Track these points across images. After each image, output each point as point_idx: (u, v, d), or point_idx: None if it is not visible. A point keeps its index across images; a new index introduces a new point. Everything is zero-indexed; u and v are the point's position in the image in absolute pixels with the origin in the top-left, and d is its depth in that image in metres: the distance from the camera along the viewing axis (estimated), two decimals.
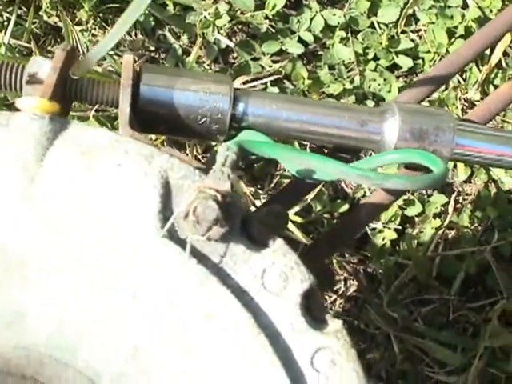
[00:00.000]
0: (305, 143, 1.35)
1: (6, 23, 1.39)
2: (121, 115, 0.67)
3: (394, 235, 1.41)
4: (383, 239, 1.41)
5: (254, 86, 1.42)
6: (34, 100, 0.61)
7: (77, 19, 1.43)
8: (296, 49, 1.47)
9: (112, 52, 1.38)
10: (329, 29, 1.50)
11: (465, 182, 1.49)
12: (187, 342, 0.57)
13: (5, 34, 1.36)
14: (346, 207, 1.40)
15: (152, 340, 0.58)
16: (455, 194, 1.47)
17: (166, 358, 0.58)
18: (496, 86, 1.49)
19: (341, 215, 1.39)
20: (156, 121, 0.72)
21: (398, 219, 1.42)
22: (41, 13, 1.42)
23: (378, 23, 1.52)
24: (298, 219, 1.35)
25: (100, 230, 0.57)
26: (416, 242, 1.42)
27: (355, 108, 0.80)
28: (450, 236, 1.45)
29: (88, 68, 0.71)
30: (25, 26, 1.39)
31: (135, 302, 0.57)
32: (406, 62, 1.51)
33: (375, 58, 1.51)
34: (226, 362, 0.57)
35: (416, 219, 1.45)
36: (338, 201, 1.41)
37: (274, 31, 1.48)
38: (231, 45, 1.46)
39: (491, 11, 1.54)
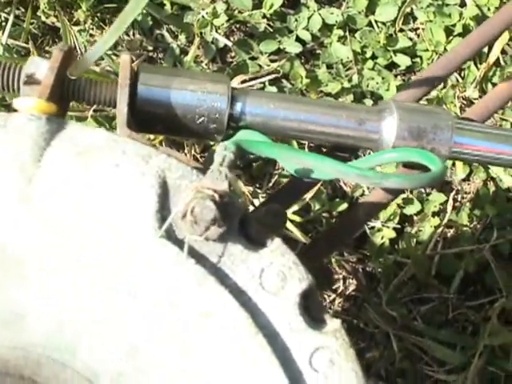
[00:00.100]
0: (303, 142, 1.35)
1: (3, 23, 1.38)
2: (118, 115, 0.67)
3: (393, 234, 1.41)
4: (382, 238, 1.41)
5: (252, 86, 1.42)
6: (31, 101, 0.61)
7: (74, 19, 1.43)
8: (294, 48, 1.47)
9: (110, 52, 1.38)
10: (326, 27, 1.50)
11: (463, 180, 1.49)
12: (186, 342, 0.57)
13: (3, 34, 1.36)
14: (344, 206, 1.40)
15: (151, 339, 0.58)
16: (454, 192, 1.47)
17: (165, 358, 0.58)
18: (494, 84, 1.49)
19: (339, 214, 1.39)
20: (154, 120, 0.72)
21: (397, 218, 1.42)
22: (38, 13, 1.42)
23: (376, 22, 1.52)
24: (297, 218, 1.35)
25: (98, 230, 0.57)
26: (415, 240, 1.42)
27: (353, 107, 0.80)
28: (448, 234, 1.45)
29: (86, 68, 0.71)
30: (23, 26, 1.39)
31: (134, 302, 0.57)
32: (404, 61, 1.51)
33: (373, 57, 1.50)
34: (225, 362, 0.57)
35: (415, 218, 1.45)
36: (337, 200, 1.41)
37: (271, 30, 1.48)
38: (229, 44, 1.46)
39: (489, 9, 1.54)
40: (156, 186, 0.57)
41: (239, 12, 1.47)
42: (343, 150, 0.80)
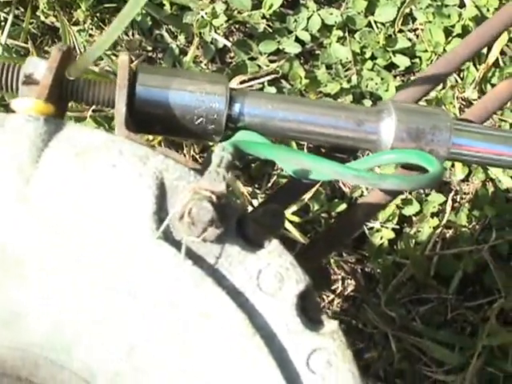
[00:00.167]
0: (302, 143, 1.35)
1: (3, 23, 1.38)
2: (117, 115, 0.67)
3: (392, 234, 1.41)
4: (381, 238, 1.41)
5: (251, 86, 1.42)
6: (29, 101, 0.61)
7: (74, 19, 1.43)
8: (293, 48, 1.47)
9: (109, 52, 1.38)
10: (326, 28, 1.50)
11: (462, 181, 1.49)
12: (185, 342, 0.57)
13: (2, 34, 1.36)
14: (343, 207, 1.40)
15: (150, 339, 0.58)
16: (453, 193, 1.47)
17: (163, 358, 0.58)
18: (493, 85, 1.49)
19: (338, 215, 1.39)
20: (152, 121, 0.72)
21: (396, 218, 1.42)
22: (38, 13, 1.42)
23: (375, 22, 1.52)
24: (296, 219, 1.35)
25: (98, 230, 0.57)
26: (414, 241, 1.42)
27: (352, 107, 0.80)
28: (447, 235, 1.45)
29: (85, 68, 0.71)
30: (22, 26, 1.39)
31: (134, 302, 0.57)
32: (403, 61, 1.51)
33: (372, 58, 1.50)
34: (222, 363, 0.57)
35: (414, 218, 1.45)
36: (336, 200, 1.41)
37: (271, 31, 1.48)
38: (228, 44, 1.46)
39: (488, 10, 1.54)
40: (153, 187, 0.57)
41: (238, 12, 1.47)
42: (342, 151, 0.80)
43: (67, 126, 0.59)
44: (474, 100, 1.49)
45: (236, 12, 1.47)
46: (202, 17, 1.43)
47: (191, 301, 0.56)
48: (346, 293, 1.41)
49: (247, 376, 0.56)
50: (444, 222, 1.43)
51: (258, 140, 0.73)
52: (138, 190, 0.57)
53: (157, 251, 0.56)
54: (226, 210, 0.56)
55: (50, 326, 0.58)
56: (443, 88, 1.50)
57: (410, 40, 1.53)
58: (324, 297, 1.40)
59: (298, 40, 1.48)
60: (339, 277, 1.41)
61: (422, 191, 1.46)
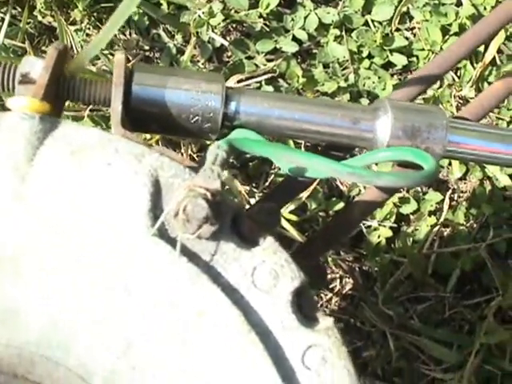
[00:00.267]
0: (300, 142, 1.35)
1: (0, 23, 1.38)
2: (113, 114, 0.67)
3: (390, 233, 1.41)
4: (378, 237, 1.41)
5: (249, 85, 1.42)
6: (24, 100, 0.61)
7: (71, 19, 1.43)
8: (290, 47, 1.47)
9: (106, 51, 1.38)
10: (323, 27, 1.50)
11: (460, 179, 1.49)
12: (183, 342, 0.57)
13: None
14: (341, 205, 1.40)
15: (148, 339, 0.58)
16: (450, 191, 1.48)
17: (159, 355, 0.58)
18: (490, 84, 1.49)
19: (336, 213, 1.39)
20: (148, 120, 0.72)
21: (393, 217, 1.42)
22: (35, 13, 1.42)
23: (372, 21, 1.52)
24: (293, 217, 1.35)
25: (93, 230, 0.57)
26: (411, 239, 1.42)
27: (348, 106, 0.80)
28: (445, 233, 1.45)
29: (81, 67, 0.71)
30: (19, 26, 1.39)
31: (128, 300, 0.57)
32: (400, 60, 1.51)
33: (369, 56, 1.50)
34: (217, 359, 0.57)
35: (411, 217, 1.45)
36: (333, 199, 1.41)
37: (268, 30, 1.48)
38: (225, 43, 1.46)
39: (485, 8, 1.54)
40: (148, 184, 0.57)
41: (235, 11, 1.47)
42: (338, 149, 0.80)
43: (63, 124, 0.60)
44: (471, 98, 1.49)
45: (233, 11, 1.47)
46: (199, 16, 1.43)
47: (188, 299, 0.57)
48: (343, 291, 1.41)
49: (243, 373, 0.56)
50: (441, 220, 1.43)
51: (254, 138, 0.73)
52: (134, 188, 0.57)
53: (152, 248, 0.56)
54: (221, 207, 0.56)
55: (47, 323, 0.58)
56: (440, 86, 1.50)
57: (407, 39, 1.53)
58: (322, 295, 1.40)
59: (295, 39, 1.48)
60: (337, 275, 1.41)
61: (419, 189, 1.46)
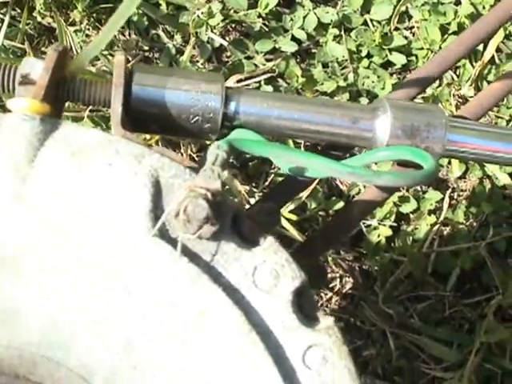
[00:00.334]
0: (299, 141, 1.35)
1: None
2: (113, 115, 0.67)
3: (389, 232, 1.41)
4: (378, 236, 1.41)
5: (248, 85, 1.42)
6: (25, 101, 0.61)
7: (70, 20, 1.43)
8: (289, 47, 1.47)
9: (106, 52, 1.38)
10: (322, 27, 1.50)
11: (459, 178, 1.49)
12: (179, 340, 0.57)
13: None
14: (341, 205, 1.40)
15: (148, 339, 0.58)
16: (450, 190, 1.48)
17: (159, 355, 0.58)
18: (489, 82, 1.49)
19: (336, 213, 1.39)
20: (148, 120, 0.73)
21: (393, 216, 1.42)
22: (34, 14, 1.42)
23: (371, 20, 1.52)
24: (293, 217, 1.35)
25: (93, 231, 0.57)
26: (411, 238, 1.43)
27: (347, 105, 0.80)
28: (445, 232, 1.45)
29: (81, 68, 0.71)
30: (18, 27, 1.39)
31: (128, 300, 0.57)
32: (399, 59, 1.51)
33: (368, 56, 1.51)
34: (218, 359, 0.57)
35: (411, 216, 1.45)
36: (333, 198, 1.41)
37: (267, 30, 1.48)
38: (225, 44, 1.46)
39: (484, 7, 1.54)
40: (149, 185, 0.57)
41: (235, 11, 1.47)
42: (337, 149, 0.81)
43: (63, 125, 0.60)
44: (471, 97, 1.49)
45: (232, 11, 1.48)
46: (198, 16, 1.43)
47: (189, 299, 0.57)
48: (343, 291, 1.41)
49: (243, 372, 0.56)
50: (441, 219, 1.43)
51: (253, 138, 0.73)
52: (134, 189, 0.57)
53: (153, 249, 0.56)
54: (222, 208, 0.56)
55: (48, 323, 0.58)
56: (439, 85, 1.51)
57: (406, 38, 1.53)
58: (322, 295, 1.40)
59: (294, 39, 1.48)
60: (337, 274, 1.41)
61: (419, 188, 1.46)
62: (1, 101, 1.30)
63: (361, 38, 1.50)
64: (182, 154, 1.35)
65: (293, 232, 1.32)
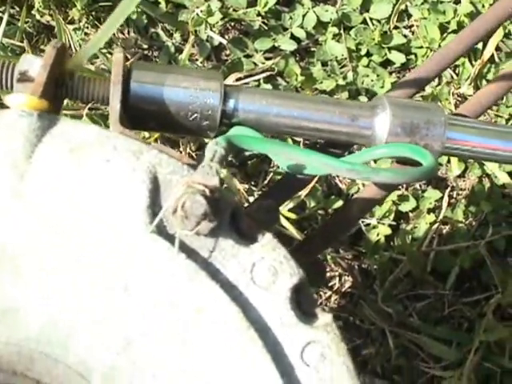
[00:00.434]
0: (298, 139, 1.35)
1: None
2: (111, 112, 0.67)
3: (389, 231, 1.41)
4: (377, 235, 1.41)
5: (247, 83, 1.42)
6: (22, 97, 0.61)
7: (69, 18, 1.43)
8: (288, 45, 1.47)
9: (105, 50, 1.38)
10: (321, 25, 1.50)
11: (459, 176, 1.49)
12: (179, 340, 0.57)
13: None
14: (339, 203, 1.40)
15: (144, 337, 0.58)
16: (449, 188, 1.48)
17: (159, 355, 0.58)
18: (489, 81, 1.49)
19: (335, 211, 1.39)
20: (147, 117, 0.73)
21: (392, 215, 1.42)
22: (33, 12, 1.42)
23: (371, 19, 1.52)
24: (292, 215, 1.35)
25: (93, 230, 0.57)
26: (410, 237, 1.42)
27: (346, 103, 0.80)
28: (444, 231, 1.45)
29: (79, 66, 0.71)
30: (17, 25, 1.39)
31: (129, 300, 0.57)
32: (398, 58, 1.51)
33: (368, 54, 1.51)
34: (216, 356, 0.57)
35: (410, 214, 1.45)
36: (332, 197, 1.41)
37: (266, 28, 1.48)
38: (224, 42, 1.46)
39: (483, 6, 1.54)
40: (147, 181, 0.57)
41: (234, 10, 1.47)
42: (336, 147, 0.81)
43: (61, 122, 0.59)
44: (470, 96, 1.49)
45: (231, 10, 1.48)
46: (198, 14, 1.43)
47: (185, 295, 0.57)
48: (343, 289, 1.41)
49: (241, 369, 0.56)
50: (440, 217, 1.43)
51: (252, 135, 0.73)
52: (132, 185, 0.57)
53: (151, 245, 0.56)
54: (220, 204, 0.56)
55: (48, 323, 0.58)
56: (439, 84, 1.51)
57: (405, 36, 1.53)
58: (321, 293, 1.40)
59: (293, 37, 1.48)
60: (336, 273, 1.41)
61: (418, 187, 1.46)
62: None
63: (360, 37, 1.50)
64: (180, 153, 1.35)
65: (292, 230, 1.32)
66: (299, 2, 1.51)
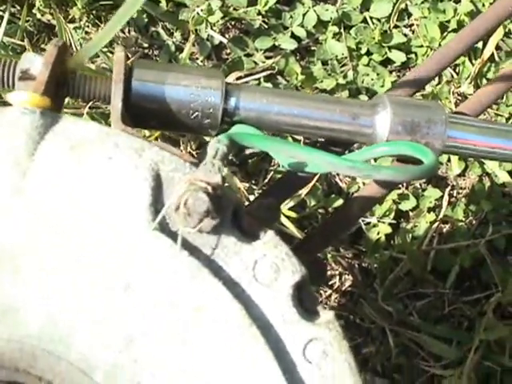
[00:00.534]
0: (299, 138, 1.35)
1: None
2: (113, 110, 0.67)
3: (389, 229, 1.41)
4: (378, 234, 1.41)
5: (247, 82, 1.42)
6: (25, 94, 0.61)
7: (70, 17, 1.43)
8: (289, 44, 1.47)
9: (105, 49, 1.38)
10: (321, 24, 1.51)
11: (459, 175, 1.49)
12: (180, 340, 0.57)
13: None
14: (340, 202, 1.40)
15: (146, 337, 0.58)
16: (449, 187, 1.48)
17: (160, 355, 0.58)
18: (489, 80, 1.49)
19: (335, 210, 1.39)
20: (148, 116, 0.73)
21: (393, 213, 1.42)
22: (34, 11, 1.42)
23: (371, 18, 1.53)
24: (293, 214, 1.35)
25: (93, 230, 0.57)
26: (410, 236, 1.43)
27: (347, 101, 0.80)
28: (444, 230, 1.45)
29: (82, 62, 0.71)
30: (18, 23, 1.39)
31: (127, 296, 0.57)
32: (398, 57, 1.51)
33: (368, 53, 1.51)
34: (218, 353, 0.57)
35: (410, 213, 1.45)
36: (333, 196, 1.41)
37: (266, 27, 1.48)
38: (224, 41, 1.46)
39: (483, 5, 1.54)
40: (149, 178, 0.57)
41: (234, 9, 1.48)
42: (337, 145, 0.81)
43: (63, 119, 0.60)
44: (470, 95, 1.49)
45: (232, 9, 1.48)
46: (198, 13, 1.43)
47: (187, 292, 0.57)
48: (343, 288, 1.41)
49: (243, 366, 0.56)
50: (441, 216, 1.43)
51: (253, 133, 0.73)
52: (134, 182, 0.57)
53: (153, 243, 0.56)
54: (222, 201, 0.56)
55: (47, 321, 0.58)
56: (439, 83, 1.51)
57: (405, 35, 1.54)
58: (322, 292, 1.40)
59: (293, 36, 1.49)
60: (336, 272, 1.41)
61: (418, 186, 1.47)
62: (0, 98, 1.29)
63: (360, 36, 1.50)
64: (181, 151, 1.35)
65: (292, 229, 1.32)
66: (299, 1, 1.51)
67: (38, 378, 0.59)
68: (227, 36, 1.48)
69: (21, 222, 0.57)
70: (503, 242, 1.44)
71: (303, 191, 1.35)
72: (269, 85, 1.44)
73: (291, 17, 1.49)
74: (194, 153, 1.37)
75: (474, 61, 1.52)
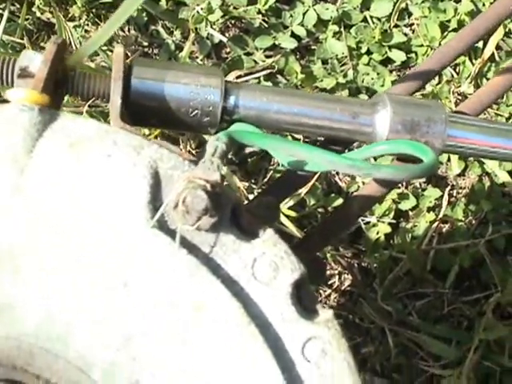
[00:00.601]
0: (298, 136, 1.35)
1: None
2: (112, 108, 0.67)
3: (388, 229, 1.41)
4: (377, 233, 1.41)
5: (247, 81, 1.42)
6: (23, 91, 0.61)
7: (70, 15, 1.43)
8: (289, 43, 1.47)
9: (105, 47, 1.38)
10: (322, 23, 1.50)
11: (459, 175, 1.49)
12: (180, 340, 0.57)
13: None
14: (339, 201, 1.40)
15: (146, 337, 0.58)
16: (449, 187, 1.48)
17: (159, 355, 0.58)
18: (489, 80, 1.49)
19: (335, 209, 1.39)
20: (147, 114, 0.72)
21: (392, 213, 1.42)
22: (33, 9, 1.42)
23: (371, 17, 1.53)
24: (292, 213, 1.35)
25: (89, 225, 0.57)
26: (410, 235, 1.42)
27: (347, 100, 0.80)
28: (444, 229, 1.45)
29: (81, 60, 0.71)
30: (18, 22, 1.39)
31: (126, 296, 0.57)
32: (399, 56, 1.51)
33: (368, 52, 1.51)
34: (216, 352, 0.57)
35: (410, 213, 1.45)
36: (332, 195, 1.41)
37: (266, 26, 1.48)
38: (224, 40, 1.46)
39: (484, 5, 1.54)
40: (148, 176, 0.57)
41: (234, 8, 1.48)
42: (337, 144, 0.80)
43: (61, 116, 0.59)
44: (470, 94, 1.49)
45: (232, 7, 1.48)
46: (198, 12, 1.43)
47: (185, 290, 0.56)
48: (342, 287, 1.41)
49: (242, 365, 0.56)
50: (440, 216, 1.43)
51: (253, 131, 0.73)
52: (133, 180, 0.57)
53: (152, 240, 0.56)
54: (221, 199, 0.56)
55: (45, 318, 0.58)
56: (439, 82, 1.51)
57: (405, 35, 1.53)
58: (321, 291, 1.40)
59: (293, 35, 1.48)
60: (336, 271, 1.41)
61: (418, 186, 1.46)
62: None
63: (360, 35, 1.50)
64: (180, 150, 1.35)
65: (292, 228, 1.32)
66: (299, 0, 1.51)
67: (35, 376, 0.58)
68: (227, 35, 1.48)
69: (20, 222, 0.57)
70: (503, 241, 1.44)
71: (303, 190, 1.34)
72: (269, 84, 1.44)
73: (291, 16, 1.49)
74: (193, 152, 1.37)
75: (474, 60, 1.52)
